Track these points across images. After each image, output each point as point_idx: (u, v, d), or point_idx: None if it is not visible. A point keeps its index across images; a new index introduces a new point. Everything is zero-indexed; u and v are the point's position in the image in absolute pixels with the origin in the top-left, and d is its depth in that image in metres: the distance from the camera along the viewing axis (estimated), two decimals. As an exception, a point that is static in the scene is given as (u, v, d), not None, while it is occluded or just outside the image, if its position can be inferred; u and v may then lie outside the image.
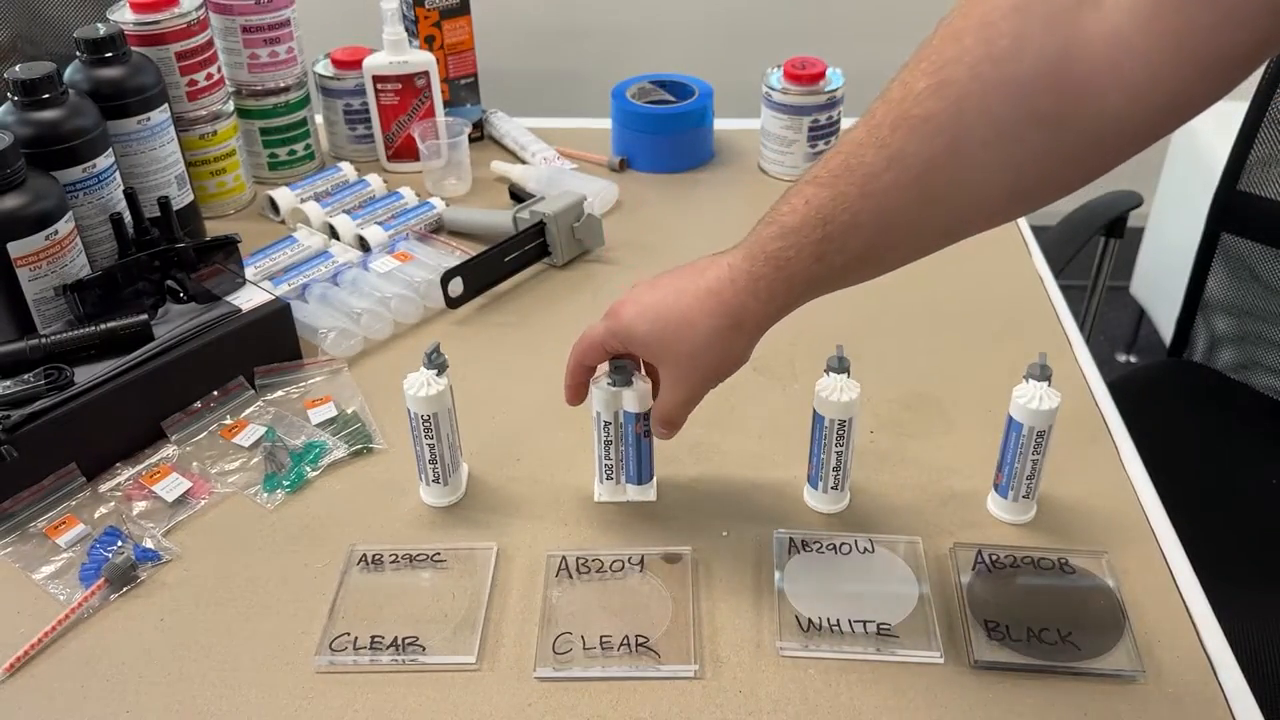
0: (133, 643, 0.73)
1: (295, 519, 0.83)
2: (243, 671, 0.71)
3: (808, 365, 0.96)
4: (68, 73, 1.02)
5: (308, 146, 1.30)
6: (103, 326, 0.88)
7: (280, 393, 0.94)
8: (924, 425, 0.91)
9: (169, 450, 0.88)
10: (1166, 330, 1.83)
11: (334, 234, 1.17)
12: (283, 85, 1.25)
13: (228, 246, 0.99)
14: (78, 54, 1.02)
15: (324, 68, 1.31)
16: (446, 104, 1.32)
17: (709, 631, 0.73)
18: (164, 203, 1.00)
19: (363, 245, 1.14)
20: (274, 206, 1.21)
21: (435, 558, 0.78)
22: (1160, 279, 2.20)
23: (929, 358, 0.99)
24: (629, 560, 0.77)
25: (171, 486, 0.84)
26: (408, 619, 0.74)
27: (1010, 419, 0.77)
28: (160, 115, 1.07)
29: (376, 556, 0.78)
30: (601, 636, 0.72)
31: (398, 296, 1.04)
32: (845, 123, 1.28)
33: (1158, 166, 2.18)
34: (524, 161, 1.32)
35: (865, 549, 0.78)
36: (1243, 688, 0.69)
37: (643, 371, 0.78)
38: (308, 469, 0.86)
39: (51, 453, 0.83)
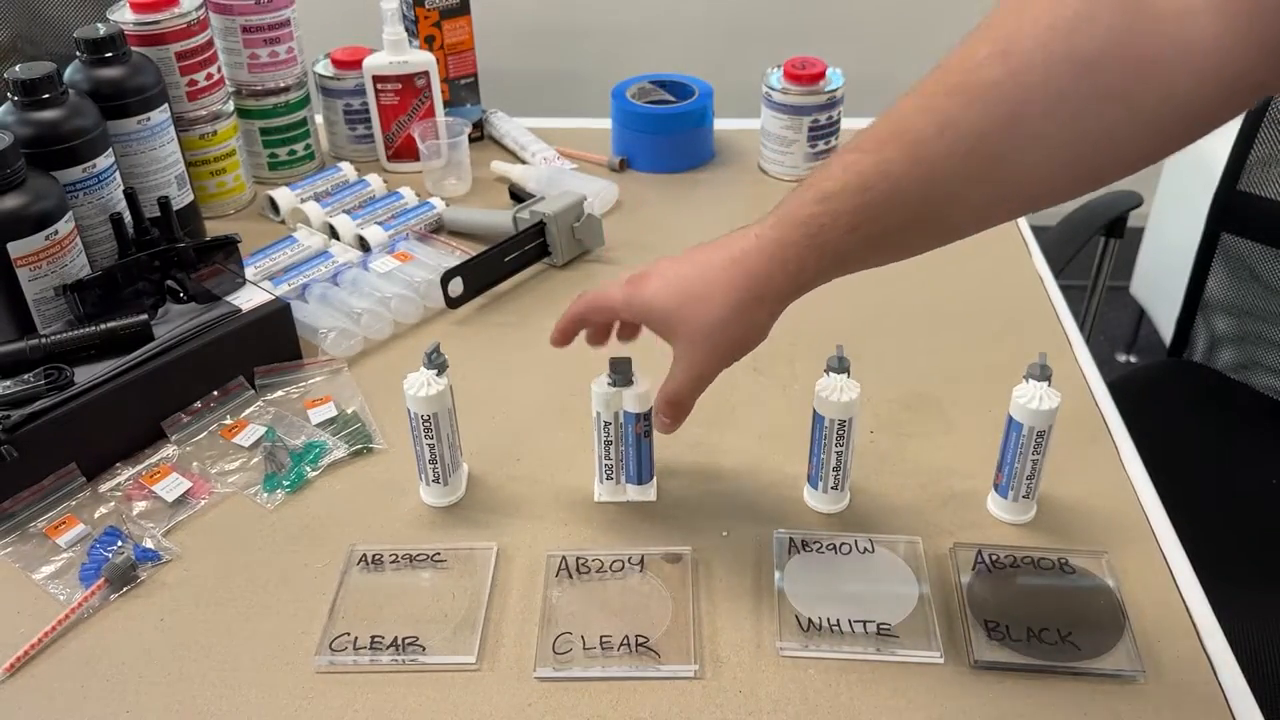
0: (133, 643, 0.73)
1: (295, 519, 0.83)
2: (243, 671, 0.71)
3: (808, 365, 0.96)
4: (68, 73, 1.02)
5: (308, 146, 1.30)
6: (103, 326, 0.88)
7: (280, 393, 0.94)
8: (924, 425, 0.91)
9: (169, 450, 0.88)
10: (1166, 330, 1.83)
11: (334, 234, 1.17)
12: (283, 85, 1.25)
13: (228, 246, 0.99)
14: (78, 54, 1.02)
15: (324, 68, 1.31)
16: (446, 104, 1.32)
17: (709, 631, 0.73)
18: (164, 203, 1.00)
19: (363, 245, 1.14)
20: (274, 206, 1.21)
21: (435, 558, 0.78)
22: (1160, 279, 2.20)
23: (929, 358, 0.99)
24: (629, 560, 0.77)
25: (171, 486, 0.84)
26: (408, 619, 0.74)
27: (1010, 419, 0.77)
28: (160, 115, 1.07)
29: (376, 556, 0.78)
30: (601, 636, 0.72)
31: (398, 296, 1.04)
32: (845, 123, 1.28)
33: (1158, 166, 2.17)
34: (524, 161, 1.32)
35: (865, 549, 0.78)
36: (1243, 688, 0.69)
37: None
38: (308, 469, 0.86)
39: (51, 453, 0.83)
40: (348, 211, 1.18)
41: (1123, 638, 0.71)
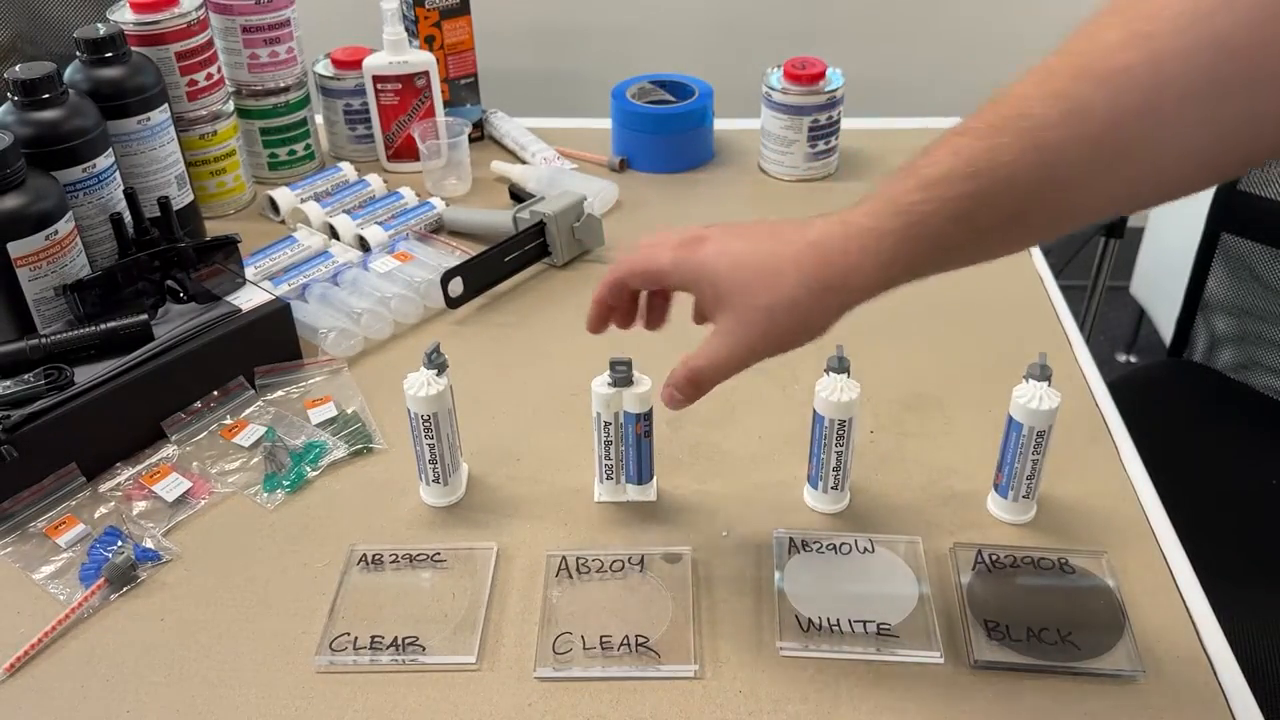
0: (133, 643, 0.73)
1: (295, 519, 0.83)
2: (243, 671, 0.71)
3: (808, 365, 0.95)
4: (68, 73, 1.02)
5: (308, 146, 1.30)
6: (103, 326, 0.88)
7: (280, 393, 0.94)
8: (924, 425, 0.91)
9: (169, 450, 0.88)
10: (1166, 330, 1.83)
11: (334, 234, 1.17)
12: (283, 85, 1.25)
13: (228, 246, 0.99)
14: (78, 54, 1.02)
15: (324, 68, 1.31)
16: (446, 104, 1.32)
17: (709, 631, 0.73)
18: (164, 203, 1.00)
19: (363, 245, 1.14)
20: (274, 206, 1.21)
21: (435, 558, 0.78)
22: (1160, 279, 2.19)
23: (929, 358, 0.99)
24: (629, 560, 0.77)
25: (171, 486, 0.84)
26: (408, 619, 0.74)
27: (1010, 419, 0.77)
28: (160, 115, 1.07)
29: (376, 556, 0.78)
30: (601, 636, 0.72)
31: (398, 296, 1.04)
32: (845, 123, 1.28)
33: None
34: (524, 161, 1.32)
35: (865, 549, 0.78)
36: (1243, 688, 0.69)
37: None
38: (308, 469, 0.86)
39: (51, 453, 0.83)
40: (348, 211, 1.18)
41: (1122, 638, 0.71)
